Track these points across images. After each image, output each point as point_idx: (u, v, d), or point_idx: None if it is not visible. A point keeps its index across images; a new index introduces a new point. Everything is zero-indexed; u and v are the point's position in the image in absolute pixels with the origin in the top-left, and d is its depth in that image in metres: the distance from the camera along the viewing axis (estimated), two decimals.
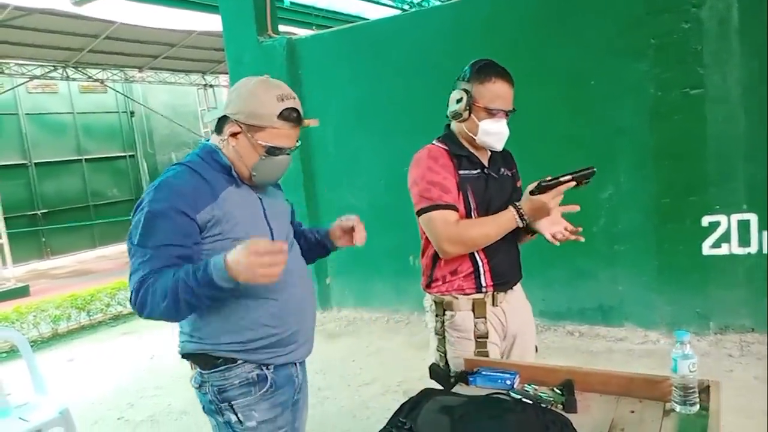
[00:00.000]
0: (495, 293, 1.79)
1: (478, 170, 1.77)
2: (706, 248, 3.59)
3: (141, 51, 9.88)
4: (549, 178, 1.61)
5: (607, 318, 4.02)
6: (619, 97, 3.69)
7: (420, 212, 1.73)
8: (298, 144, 1.57)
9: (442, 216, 1.69)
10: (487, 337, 1.77)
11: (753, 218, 3.43)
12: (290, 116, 1.48)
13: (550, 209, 1.63)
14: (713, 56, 3.39)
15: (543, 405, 1.43)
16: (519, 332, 1.86)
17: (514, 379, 1.60)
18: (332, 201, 5.08)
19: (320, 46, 4.93)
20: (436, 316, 1.82)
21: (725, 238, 3.52)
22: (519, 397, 1.42)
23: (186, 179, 1.45)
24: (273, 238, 1.55)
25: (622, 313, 3.97)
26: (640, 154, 3.67)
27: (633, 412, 1.41)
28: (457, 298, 1.78)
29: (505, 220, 1.69)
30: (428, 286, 1.85)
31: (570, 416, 1.34)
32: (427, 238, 1.80)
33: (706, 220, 3.55)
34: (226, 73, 8.68)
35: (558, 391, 1.55)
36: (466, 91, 1.74)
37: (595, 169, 1.55)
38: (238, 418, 1.54)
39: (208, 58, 11.17)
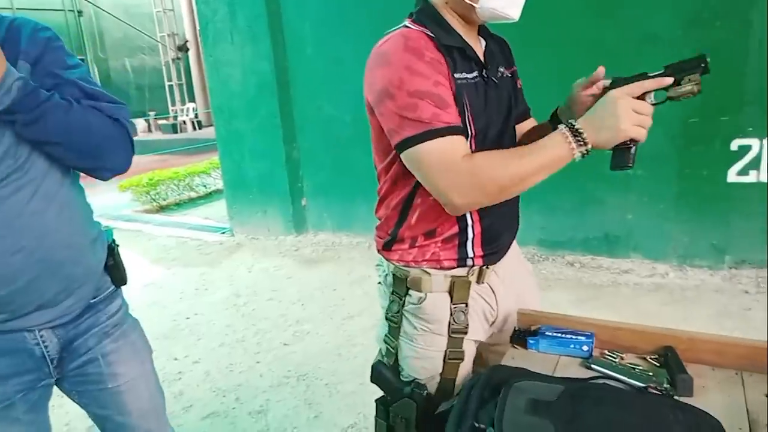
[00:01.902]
0: (483, 267, 1.23)
1: (476, 72, 1.14)
2: (732, 175, 3.24)
3: None
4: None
5: (612, 249, 3.71)
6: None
7: (404, 145, 1.05)
8: None
9: (445, 148, 1.04)
10: (465, 332, 1.22)
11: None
12: None
13: (635, 117, 0.99)
14: None
15: (646, 386, 1.04)
16: (514, 309, 1.31)
17: (591, 343, 1.20)
18: (309, 112, 4.51)
19: None
20: (394, 293, 1.24)
21: (755, 164, 3.17)
22: (637, 383, 1.02)
23: None
24: None
25: (630, 244, 3.66)
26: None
27: None
28: (428, 273, 1.20)
29: (553, 151, 1.02)
30: (387, 248, 1.25)
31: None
32: (390, 174, 1.20)
33: (735, 144, 3.18)
34: None
35: (656, 364, 1.16)
36: None
37: (708, 58, 1.02)
38: None
39: None
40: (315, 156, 4.63)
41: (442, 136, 1.04)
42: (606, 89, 1.10)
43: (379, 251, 1.29)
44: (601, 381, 0.94)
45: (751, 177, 3.20)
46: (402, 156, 1.09)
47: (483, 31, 1.24)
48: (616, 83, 1.10)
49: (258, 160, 4.76)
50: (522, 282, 1.37)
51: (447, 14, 1.16)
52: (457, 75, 1.10)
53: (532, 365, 1.16)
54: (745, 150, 3.17)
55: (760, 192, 3.21)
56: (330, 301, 3.56)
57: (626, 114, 0.99)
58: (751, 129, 3.14)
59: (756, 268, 3.32)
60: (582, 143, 1.00)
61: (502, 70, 1.24)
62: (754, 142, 3.15)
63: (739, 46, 3.04)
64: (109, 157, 1.15)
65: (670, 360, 1.13)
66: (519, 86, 1.33)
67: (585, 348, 1.20)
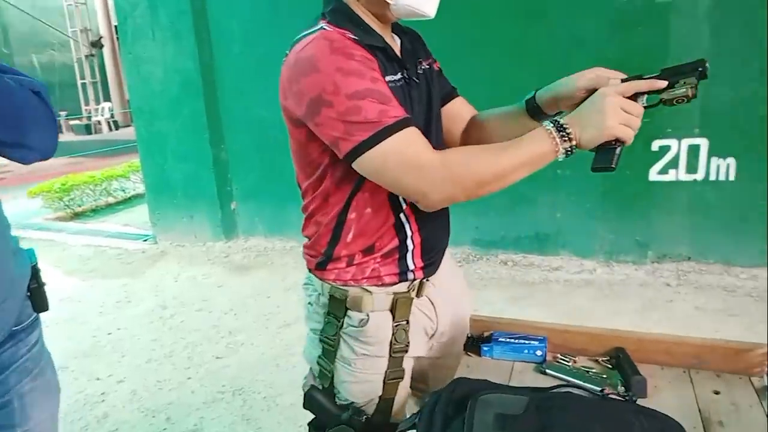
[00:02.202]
0: (423, 280, 1.17)
1: (399, 74, 1.09)
2: (653, 174, 3.40)
3: None
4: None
5: (542, 247, 3.80)
6: (579, 2, 3.27)
7: (356, 151, 0.97)
8: None
9: (405, 143, 0.97)
10: (406, 350, 1.15)
11: (704, 143, 3.26)
12: None
13: (623, 116, 0.94)
14: None
15: (602, 389, 1.03)
16: (452, 321, 1.26)
17: (544, 348, 1.19)
18: (238, 112, 4.34)
19: None
20: (330, 315, 1.15)
21: (673, 163, 3.34)
22: (593, 387, 1.00)
23: None
24: None
25: (559, 242, 3.76)
26: None
27: (718, 393, 1.05)
28: (369, 291, 1.12)
29: (536, 146, 0.96)
30: (321, 267, 1.16)
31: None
32: (320, 191, 1.10)
33: (656, 144, 3.34)
34: None
35: (608, 366, 1.16)
36: None
37: (707, 63, 0.96)
38: None
39: None
40: (244, 158, 4.47)
41: (397, 132, 0.97)
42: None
43: (311, 270, 1.20)
44: (563, 389, 0.91)
45: (671, 175, 3.37)
46: (356, 165, 1.00)
47: (395, 27, 1.18)
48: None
49: (183, 163, 4.53)
50: (456, 287, 1.32)
51: (361, 13, 1.09)
52: (386, 78, 1.04)
53: (487, 373, 1.13)
54: (665, 150, 3.34)
55: (679, 189, 3.38)
56: (264, 309, 3.43)
57: (614, 112, 0.95)
58: (670, 130, 3.30)
59: (676, 261, 3.50)
60: (566, 139, 0.95)
61: (421, 65, 1.18)
62: (673, 143, 3.32)
63: (660, 50, 3.19)
64: (35, 131, 1.01)
65: (621, 361, 1.13)
66: (438, 69, 1.26)
67: (538, 353, 1.18)
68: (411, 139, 0.99)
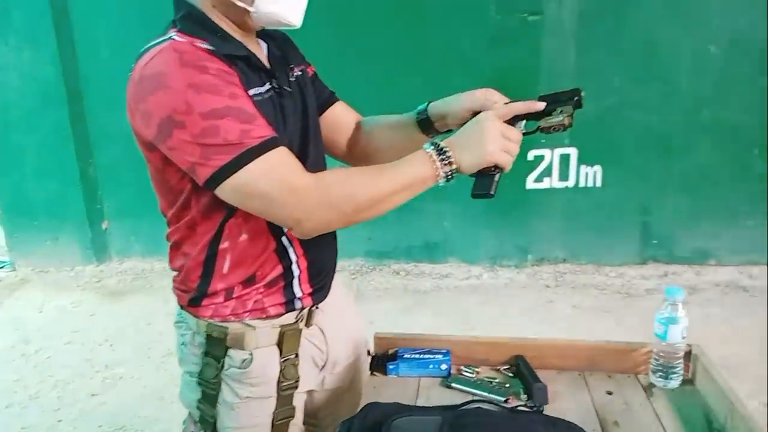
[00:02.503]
0: (312, 308, 1.09)
1: (267, 85, 1.00)
2: (530, 182, 3.60)
3: None
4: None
5: (432, 255, 3.89)
6: (459, 16, 3.39)
7: (217, 177, 0.88)
8: None
9: (273, 166, 0.89)
10: (296, 387, 1.07)
11: (573, 152, 3.51)
12: None
13: (502, 143, 0.94)
14: None
15: (506, 399, 1.04)
16: (346, 348, 1.19)
17: (448, 361, 1.19)
18: (108, 123, 3.98)
19: None
20: (208, 356, 1.04)
21: (547, 172, 3.57)
22: (497, 397, 1.00)
23: None
24: None
25: (447, 249, 3.87)
26: (475, 82, 3.40)
27: (611, 393, 1.11)
28: (252, 326, 1.02)
29: (416, 170, 0.93)
30: (195, 304, 1.04)
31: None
32: (186, 220, 1.00)
33: (531, 154, 3.54)
34: None
35: (509, 374, 1.18)
36: None
37: (583, 93, 0.99)
38: None
39: None
40: (116, 173, 4.11)
41: (264, 153, 0.88)
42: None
43: (183, 307, 1.08)
44: (473, 405, 0.91)
45: (545, 183, 3.59)
46: (218, 192, 0.90)
47: (260, 32, 1.08)
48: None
49: (44, 180, 4.09)
50: (348, 311, 1.25)
51: (218, 19, 0.98)
52: (250, 92, 0.94)
53: (394, 392, 1.11)
54: (539, 159, 3.55)
55: (553, 196, 3.62)
56: (145, 338, 3.17)
57: (493, 138, 0.94)
58: (543, 141, 3.52)
59: (553, 263, 3.73)
60: (447, 163, 0.93)
61: (293, 72, 1.10)
62: (547, 153, 3.54)
63: (532, 65, 3.40)
64: None
65: (522, 369, 1.15)
66: (313, 73, 1.19)
67: (443, 366, 1.18)
68: (280, 160, 0.90)
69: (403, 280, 3.82)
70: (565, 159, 3.54)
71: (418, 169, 0.93)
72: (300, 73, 1.11)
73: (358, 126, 1.25)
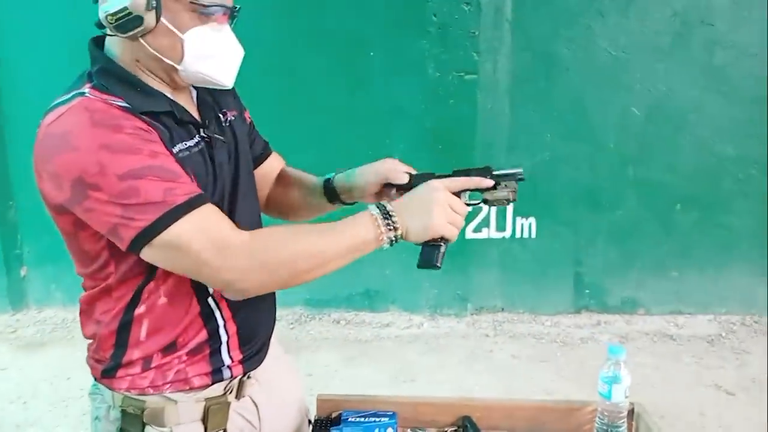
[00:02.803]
0: (243, 378, 1.02)
1: (197, 137, 0.96)
2: (469, 232, 3.66)
3: None
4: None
5: (373, 303, 3.86)
6: (400, 74, 3.49)
7: (141, 239, 0.83)
8: None
9: (202, 224, 0.84)
10: None
11: (509, 205, 3.61)
12: None
13: (449, 215, 0.95)
14: (487, 43, 3.42)
15: None
16: (281, 421, 1.12)
17: (395, 424, 1.15)
18: (30, 166, 3.77)
19: None
20: None
21: (485, 222, 3.65)
22: None
23: None
24: None
25: (388, 298, 3.85)
26: (416, 136, 3.54)
27: None
28: (173, 400, 0.95)
29: (359, 232, 0.91)
30: (109, 375, 0.97)
31: None
32: (103, 287, 0.94)
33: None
34: None
35: None
36: None
37: (522, 175, 1.06)
38: None
39: None
40: (38, 216, 3.80)
41: (191, 210, 0.83)
42: (414, 178, 1.05)
43: (97, 380, 1.00)
44: None
45: (484, 233, 3.67)
46: (143, 254, 0.85)
47: None
48: (418, 179, 1.05)
49: None
50: (284, 378, 1.18)
51: (141, 74, 0.94)
52: (176, 149, 0.90)
53: None
54: (477, 210, 3.63)
55: (491, 246, 3.69)
56: (63, 394, 2.93)
57: (441, 209, 0.94)
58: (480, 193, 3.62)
59: (492, 312, 3.78)
60: (392, 228, 0.91)
61: (226, 116, 1.05)
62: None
63: (469, 121, 3.51)
64: None
65: (469, 430, 1.14)
66: (250, 121, 1.16)
67: (389, 430, 1.14)
68: (209, 218, 0.85)
69: (343, 329, 3.75)
70: (501, 210, 3.64)
71: (362, 231, 0.91)
72: (233, 118, 1.07)
73: (281, 172, 1.23)
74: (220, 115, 1.04)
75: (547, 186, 3.58)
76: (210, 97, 1.05)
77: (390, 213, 0.92)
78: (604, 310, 3.68)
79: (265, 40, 3.23)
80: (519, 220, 3.64)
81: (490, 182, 1.03)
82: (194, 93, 1.04)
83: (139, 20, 0.86)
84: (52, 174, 0.84)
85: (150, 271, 0.91)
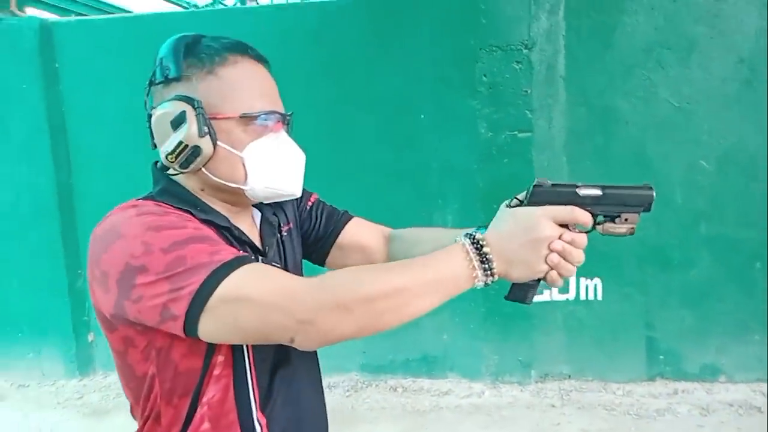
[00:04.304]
0: None
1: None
2: None
3: None
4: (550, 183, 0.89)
5: (431, 369, 3.73)
6: (450, 134, 3.45)
7: (197, 303, 0.75)
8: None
9: (259, 272, 0.79)
10: None
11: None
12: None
13: (553, 244, 0.83)
14: (540, 100, 3.34)
15: None
16: None
17: None
18: None
19: (87, 36, 3.82)
20: None
21: (546, 284, 3.47)
22: None
23: None
24: None
25: (447, 364, 3.72)
26: (470, 195, 3.46)
27: None
28: None
29: (444, 266, 0.81)
30: None
31: None
32: (149, 402, 0.89)
33: None
34: None
35: None
36: (186, 99, 0.86)
37: (653, 194, 0.90)
38: None
39: None
40: None
41: (243, 266, 0.77)
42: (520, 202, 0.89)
43: None
44: None
45: (545, 296, 3.51)
46: (202, 328, 0.76)
47: None
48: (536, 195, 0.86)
49: (30, 292, 3.99)
50: None
51: (205, 197, 0.93)
52: None
53: None
54: None
55: (554, 309, 3.51)
56: None
57: (548, 250, 0.84)
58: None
59: (558, 380, 3.57)
60: (489, 273, 0.81)
61: (281, 233, 1.03)
62: None
63: (525, 178, 3.39)
64: None
65: None
66: (312, 202, 1.12)
67: None
68: (267, 268, 0.80)
69: (400, 398, 3.63)
70: None
71: (451, 265, 0.81)
72: (286, 233, 1.05)
73: (385, 240, 1.17)
74: (278, 232, 1.03)
75: (611, 245, 3.39)
76: (275, 216, 1.03)
77: (487, 256, 0.82)
78: (681, 378, 3.40)
79: (315, 104, 3.28)
80: (583, 281, 3.46)
81: (590, 220, 0.89)
82: (258, 217, 1.02)
83: (197, 150, 0.86)
84: (99, 277, 0.83)
85: (195, 393, 0.87)
